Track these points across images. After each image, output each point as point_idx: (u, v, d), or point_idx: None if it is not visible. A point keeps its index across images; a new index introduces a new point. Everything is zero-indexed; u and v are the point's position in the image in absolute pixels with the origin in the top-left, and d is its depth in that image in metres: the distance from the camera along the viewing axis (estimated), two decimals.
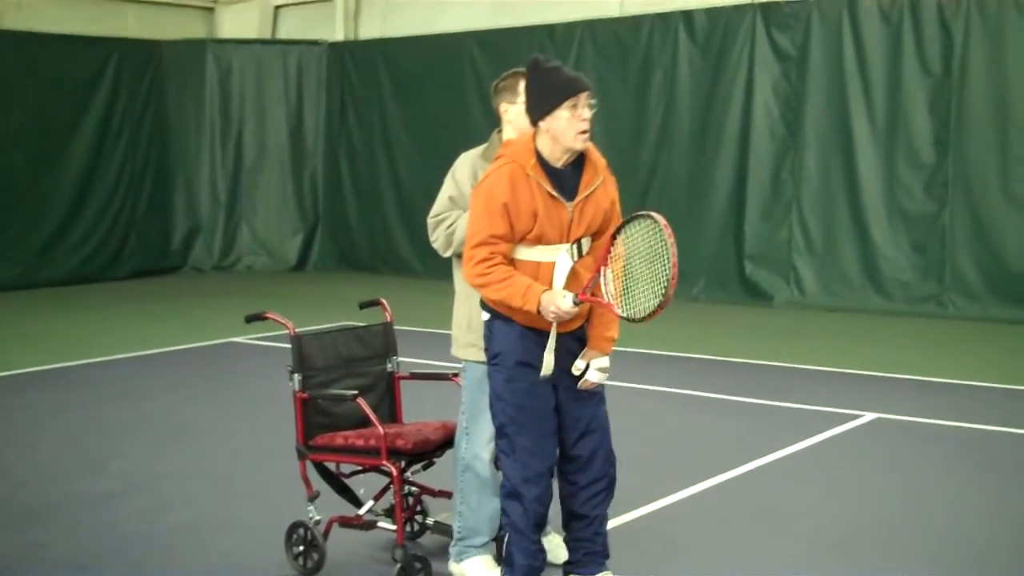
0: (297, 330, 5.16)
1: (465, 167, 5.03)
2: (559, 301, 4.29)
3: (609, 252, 4.39)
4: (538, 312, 4.32)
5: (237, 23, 17.91)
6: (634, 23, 14.12)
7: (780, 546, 5.43)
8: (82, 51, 15.48)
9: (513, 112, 4.92)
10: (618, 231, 4.39)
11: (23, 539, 5.55)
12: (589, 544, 4.66)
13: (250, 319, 5.32)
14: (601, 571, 4.69)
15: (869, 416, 7.86)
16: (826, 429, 7.53)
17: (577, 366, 4.49)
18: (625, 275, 4.36)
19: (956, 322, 11.86)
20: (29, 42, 14.88)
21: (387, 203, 16.35)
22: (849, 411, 7.97)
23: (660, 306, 4.22)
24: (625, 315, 4.32)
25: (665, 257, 4.22)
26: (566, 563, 4.76)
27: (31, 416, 8.09)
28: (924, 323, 11.84)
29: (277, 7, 17.91)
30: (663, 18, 13.90)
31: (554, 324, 4.43)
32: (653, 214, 4.29)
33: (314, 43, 17.07)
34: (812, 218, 12.99)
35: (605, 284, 4.39)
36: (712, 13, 13.59)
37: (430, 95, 15.89)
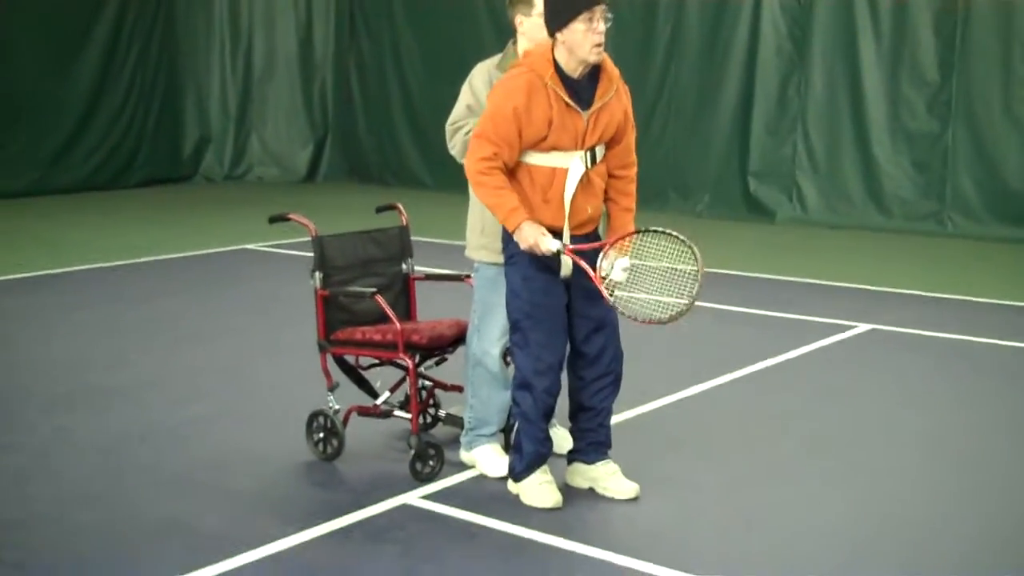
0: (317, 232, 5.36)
1: (481, 76, 5.20)
2: (542, 240, 4.57)
3: (624, 241, 4.68)
4: (512, 233, 4.61)
5: None
6: None
7: (774, 444, 5.71)
8: None
9: (528, 24, 5.09)
10: (644, 231, 4.64)
11: (50, 423, 5.84)
12: (593, 434, 4.94)
13: (273, 219, 5.53)
14: (603, 459, 4.97)
15: (864, 327, 8.11)
16: (822, 338, 7.78)
17: (601, 267, 4.71)
18: (631, 271, 4.65)
19: (955, 240, 12.07)
20: None
21: (396, 115, 16.46)
22: (846, 322, 8.22)
23: (654, 321, 4.55)
24: (612, 302, 4.62)
25: (685, 293, 4.50)
26: (570, 452, 5.04)
27: (49, 315, 8.34)
28: (924, 240, 12.06)
29: None
30: None
31: (566, 228, 4.66)
32: (696, 250, 4.49)
33: None
34: (816, 135, 13.14)
35: (603, 259, 4.66)
36: None
37: (439, 7, 15.93)
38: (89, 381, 6.61)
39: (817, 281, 9.84)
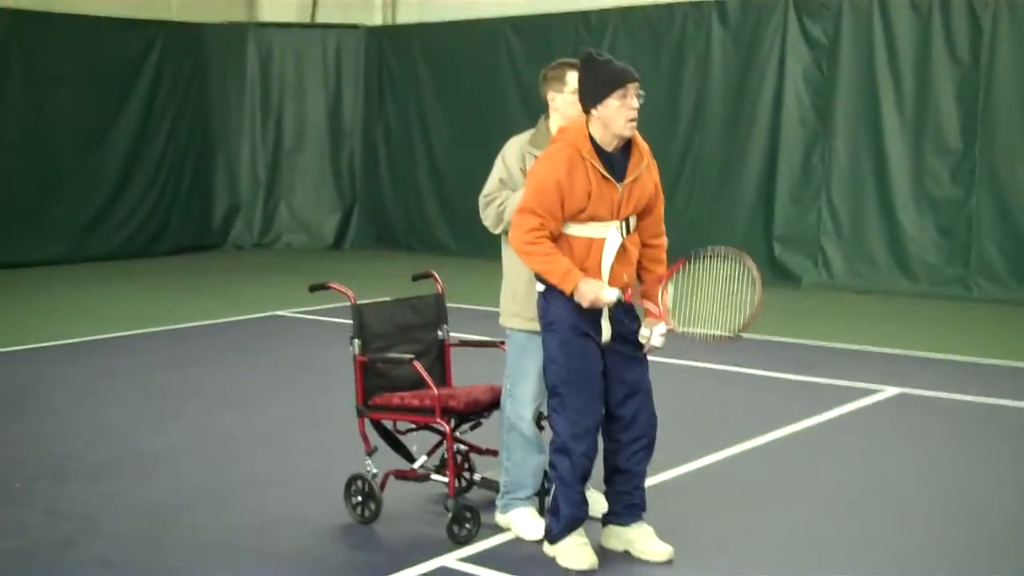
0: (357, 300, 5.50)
1: (514, 151, 5.37)
2: (602, 292, 4.75)
3: (677, 271, 4.82)
4: (570, 295, 4.75)
5: (276, 7, 18.26)
6: (668, 10, 14.42)
7: (807, 507, 5.77)
8: (128, 34, 15.88)
9: (560, 100, 5.26)
10: (695, 256, 4.79)
11: (97, 490, 5.96)
12: (629, 497, 5.03)
13: (314, 288, 5.68)
14: (638, 522, 5.06)
15: (893, 391, 8.17)
16: (851, 402, 7.85)
17: (643, 334, 4.87)
18: (691, 295, 4.79)
19: (981, 304, 12.13)
20: (77, 25, 15.29)
21: (423, 183, 16.71)
22: (874, 386, 8.29)
23: (725, 339, 4.74)
24: (681, 329, 4.79)
25: (748, 301, 4.70)
26: (606, 514, 5.13)
27: (89, 382, 8.50)
28: (950, 305, 12.12)
29: None
30: (696, 6, 14.19)
31: None
32: (748, 261, 4.72)
33: (353, 27, 17.43)
34: (840, 202, 13.26)
35: (663, 295, 4.83)
36: (745, 2, 13.86)
37: (466, 79, 16.22)
38: (132, 448, 6.74)
39: (845, 345, 9.92)
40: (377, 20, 17.53)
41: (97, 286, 13.45)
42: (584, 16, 15.04)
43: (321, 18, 18.13)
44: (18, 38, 14.74)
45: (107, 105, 15.68)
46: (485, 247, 15.74)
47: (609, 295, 4.75)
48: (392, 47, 17.14)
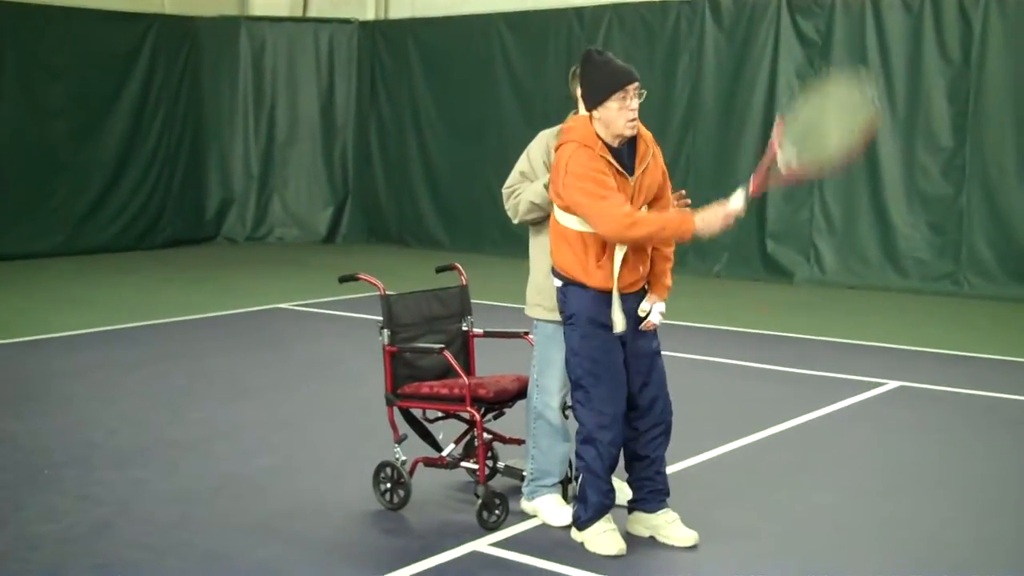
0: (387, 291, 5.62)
1: (540, 145, 5.50)
2: (729, 207, 4.77)
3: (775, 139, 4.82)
4: (692, 236, 4.81)
5: (268, 0, 18.31)
6: (662, 7, 14.56)
7: (822, 495, 5.92)
8: (121, 26, 15.90)
9: None
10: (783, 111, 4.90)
11: (126, 476, 6.06)
12: (651, 483, 5.17)
13: (343, 279, 5.80)
14: (663, 508, 5.20)
15: (892, 384, 8.35)
16: (853, 395, 8.02)
17: (643, 308, 5.03)
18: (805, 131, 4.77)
19: (970, 300, 12.34)
20: (71, 16, 15.32)
21: (415, 177, 16.80)
22: (873, 379, 8.46)
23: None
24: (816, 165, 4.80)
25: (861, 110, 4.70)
26: (631, 501, 5.26)
27: (103, 372, 8.57)
28: (940, 300, 12.33)
29: None
30: (690, 3, 14.34)
31: (615, 286, 4.93)
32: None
33: (345, 21, 17.50)
34: (833, 198, 13.44)
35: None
36: None
37: (459, 74, 16.31)
38: (155, 436, 6.82)
39: (842, 340, 10.09)
40: (369, 15, 17.60)
41: (94, 278, 13.48)
42: (578, 12, 15.16)
43: (313, 12, 18.19)
44: (13, 30, 14.75)
45: (101, 97, 15.71)
46: (478, 242, 15.99)
47: (735, 202, 4.78)
48: (385, 41, 17.22)
